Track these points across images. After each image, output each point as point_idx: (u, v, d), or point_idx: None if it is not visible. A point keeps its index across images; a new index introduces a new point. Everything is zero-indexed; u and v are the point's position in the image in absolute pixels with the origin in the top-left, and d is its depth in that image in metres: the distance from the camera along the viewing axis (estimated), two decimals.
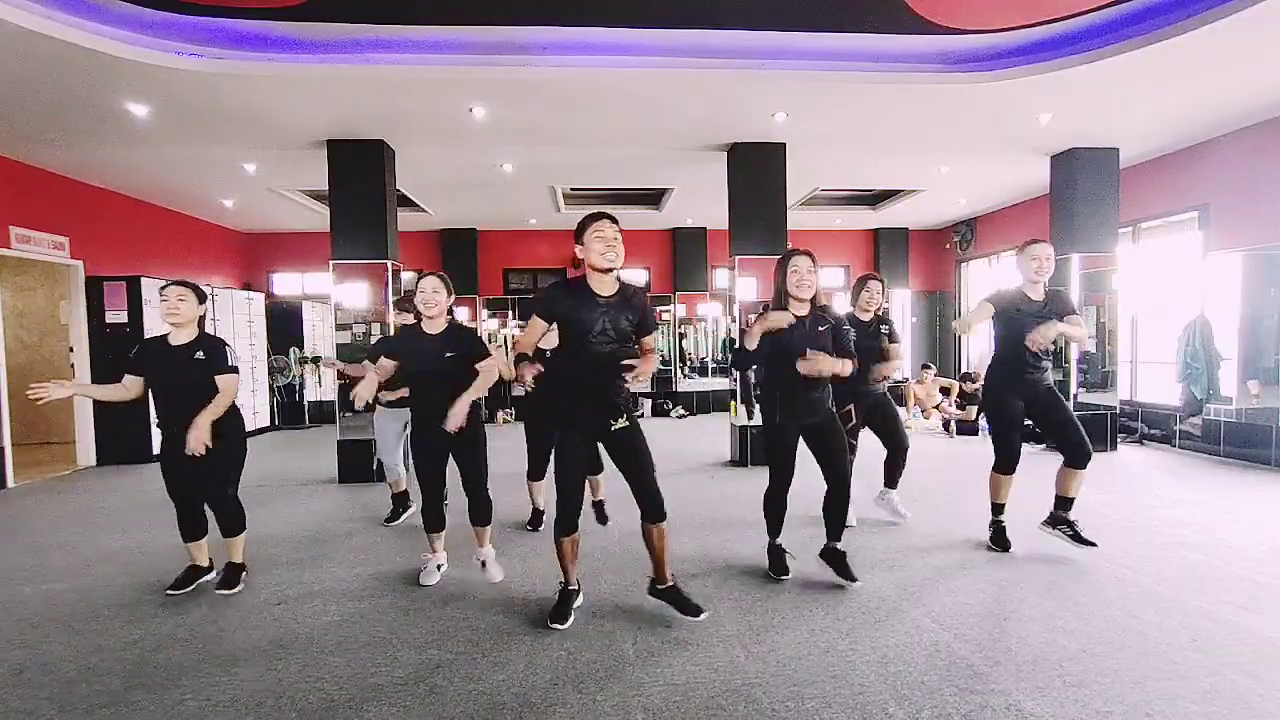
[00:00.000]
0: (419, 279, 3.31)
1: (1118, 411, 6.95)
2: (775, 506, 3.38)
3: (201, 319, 3.28)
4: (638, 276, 11.35)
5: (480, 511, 3.39)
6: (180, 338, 3.18)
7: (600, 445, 2.88)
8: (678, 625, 2.87)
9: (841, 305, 11.00)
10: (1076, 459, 3.53)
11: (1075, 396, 6.81)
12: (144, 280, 7.01)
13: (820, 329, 3.17)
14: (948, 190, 8.79)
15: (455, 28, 4.40)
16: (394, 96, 5.05)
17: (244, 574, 3.41)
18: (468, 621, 2.96)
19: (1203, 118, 5.90)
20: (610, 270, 2.70)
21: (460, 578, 3.48)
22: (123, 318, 6.94)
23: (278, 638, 2.83)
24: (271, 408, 9.66)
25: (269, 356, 9.60)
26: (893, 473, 4.32)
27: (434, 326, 3.28)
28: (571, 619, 2.88)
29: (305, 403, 10.08)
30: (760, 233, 6.35)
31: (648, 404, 10.63)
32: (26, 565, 3.83)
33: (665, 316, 11.18)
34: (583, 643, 2.73)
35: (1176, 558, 3.56)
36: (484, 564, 3.45)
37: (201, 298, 3.25)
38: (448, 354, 3.20)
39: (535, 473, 4.23)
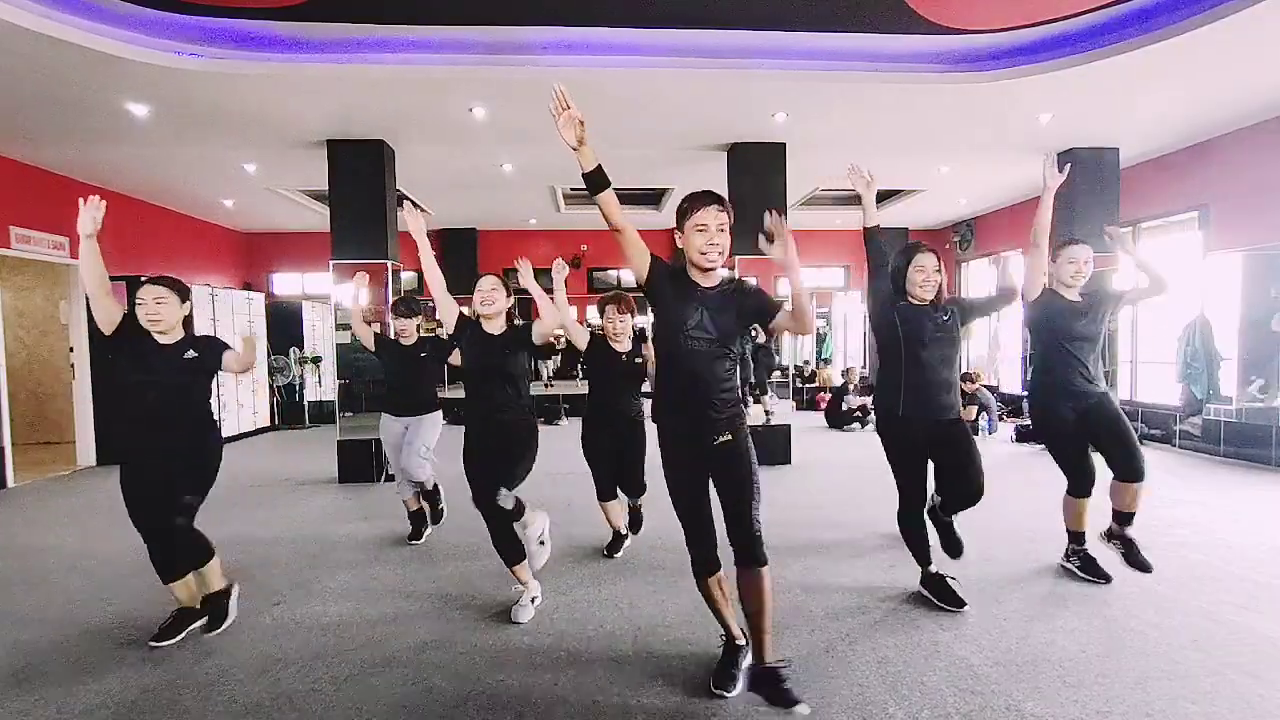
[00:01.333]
0: (478, 279, 3.11)
1: (1117, 404, 6.93)
2: (916, 522, 3.02)
3: (188, 319, 2.96)
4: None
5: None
6: (167, 339, 2.87)
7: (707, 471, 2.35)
8: (678, 625, 2.86)
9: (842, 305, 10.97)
10: (1124, 472, 3.16)
11: None
12: (144, 280, 7.00)
13: (944, 319, 2.96)
14: (948, 190, 8.79)
15: (455, 28, 4.40)
16: (394, 96, 5.05)
17: (230, 598, 2.95)
18: (468, 622, 2.95)
19: (1203, 118, 5.90)
20: (711, 270, 2.32)
21: (459, 577, 3.48)
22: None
23: (276, 638, 2.83)
24: (271, 408, 9.65)
25: (269, 356, 9.59)
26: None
27: (493, 325, 3.06)
28: (739, 686, 2.33)
29: (305, 403, 10.08)
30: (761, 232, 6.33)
31: (648, 404, 10.63)
32: (25, 565, 3.83)
33: None
34: (583, 643, 2.73)
35: (1176, 558, 3.56)
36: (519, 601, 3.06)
37: (184, 295, 2.90)
38: (505, 350, 3.01)
39: (604, 493, 3.75)
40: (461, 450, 3.02)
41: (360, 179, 6.06)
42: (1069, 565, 3.38)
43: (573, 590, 3.30)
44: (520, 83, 4.82)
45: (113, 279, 2.99)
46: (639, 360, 3.68)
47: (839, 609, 3.01)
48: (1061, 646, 2.61)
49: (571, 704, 2.28)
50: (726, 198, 2.35)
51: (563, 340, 3.16)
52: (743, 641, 2.42)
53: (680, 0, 4.42)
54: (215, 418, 3.02)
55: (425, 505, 4.21)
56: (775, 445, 6.42)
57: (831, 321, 11.96)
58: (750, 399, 6.57)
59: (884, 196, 9.67)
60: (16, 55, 4.10)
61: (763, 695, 2.26)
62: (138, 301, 2.83)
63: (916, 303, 2.97)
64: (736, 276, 2.42)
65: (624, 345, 3.69)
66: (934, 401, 2.92)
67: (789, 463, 6.35)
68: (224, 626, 2.90)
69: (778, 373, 10.10)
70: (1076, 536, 3.34)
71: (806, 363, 11.80)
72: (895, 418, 2.96)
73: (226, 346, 2.94)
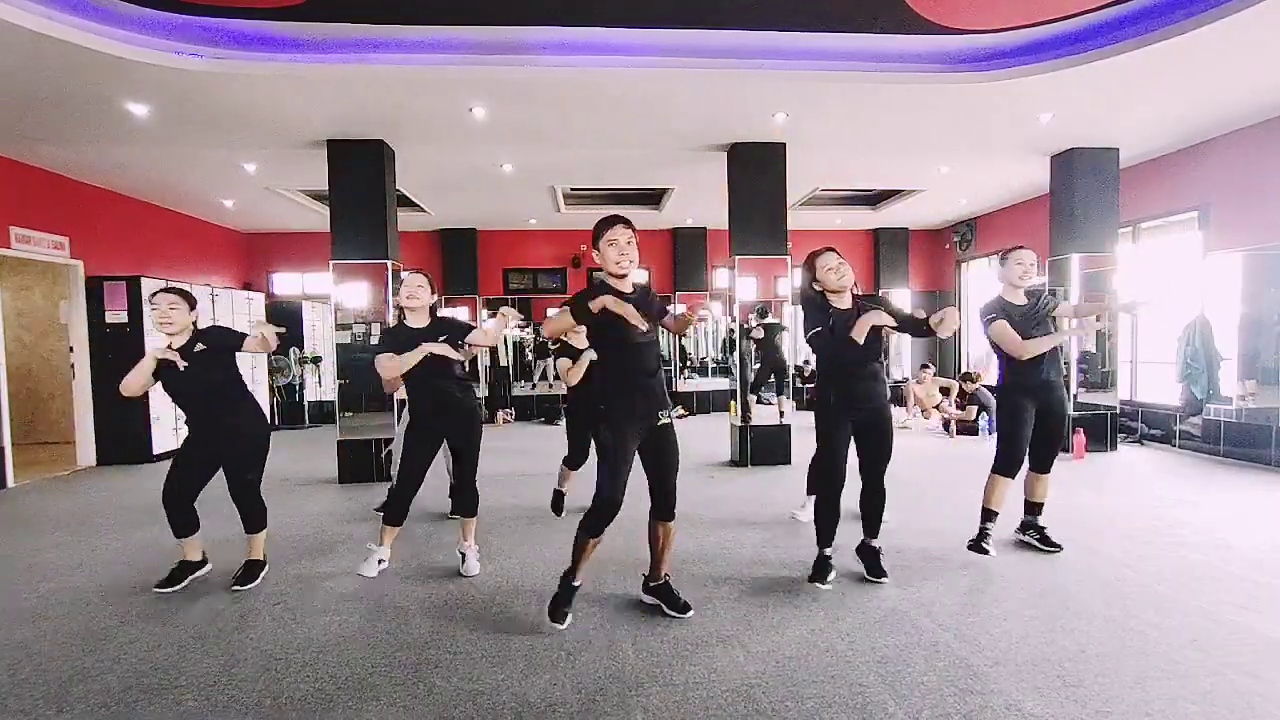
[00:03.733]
0: (405, 276, 3.43)
1: (1118, 411, 6.95)
2: (832, 509, 3.32)
3: (194, 324, 3.32)
4: (638, 276, 11.34)
5: (469, 503, 3.53)
6: (178, 341, 3.23)
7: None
8: (678, 625, 2.87)
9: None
10: (1041, 463, 3.65)
11: (1075, 396, 6.81)
12: (144, 280, 7.01)
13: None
14: (948, 190, 8.79)
15: (455, 28, 4.40)
16: (394, 96, 5.05)
17: (263, 572, 3.45)
18: (467, 621, 2.95)
19: (1203, 118, 5.90)
20: (625, 276, 2.80)
21: (459, 577, 3.48)
22: (123, 318, 6.94)
23: (277, 638, 2.83)
24: (271, 408, 9.65)
25: (269, 356, 9.59)
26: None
27: (419, 320, 3.39)
28: (570, 619, 2.88)
29: (305, 403, 10.09)
30: (760, 233, 6.35)
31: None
32: (25, 565, 3.83)
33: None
34: (582, 643, 2.73)
35: (1176, 558, 3.56)
36: (464, 556, 3.56)
37: (192, 304, 3.29)
38: (440, 338, 3.30)
39: (574, 462, 4.39)
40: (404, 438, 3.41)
41: (360, 179, 6.06)
42: (1023, 538, 3.80)
43: None
44: (520, 83, 4.81)
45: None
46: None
47: (838, 609, 3.02)
48: (1061, 646, 2.61)
49: (571, 704, 2.28)
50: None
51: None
52: (579, 583, 2.92)
53: (680, 0, 4.42)
54: (248, 392, 3.44)
55: None
56: (775, 445, 6.42)
57: None
58: (756, 399, 6.57)
59: (884, 196, 9.69)
60: (16, 55, 4.10)
61: (664, 602, 2.96)
62: (152, 306, 3.20)
63: (841, 306, 3.22)
64: (638, 282, 2.89)
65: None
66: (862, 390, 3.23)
67: (789, 463, 6.35)
68: (249, 587, 3.34)
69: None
70: (989, 514, 3.67)
71: (806, 362, 11.79)
72: (827, 408, 3.27)
73: (231, 332, 3.32)
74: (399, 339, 3.32)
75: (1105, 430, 6.76)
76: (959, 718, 2.15)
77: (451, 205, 9.14)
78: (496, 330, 3.38)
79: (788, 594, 3.19)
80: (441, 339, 3.29)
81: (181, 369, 3.10)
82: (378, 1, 4.28)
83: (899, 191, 9.13)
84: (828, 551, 3.35)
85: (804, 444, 6.85)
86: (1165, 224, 7.30)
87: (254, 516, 3.41)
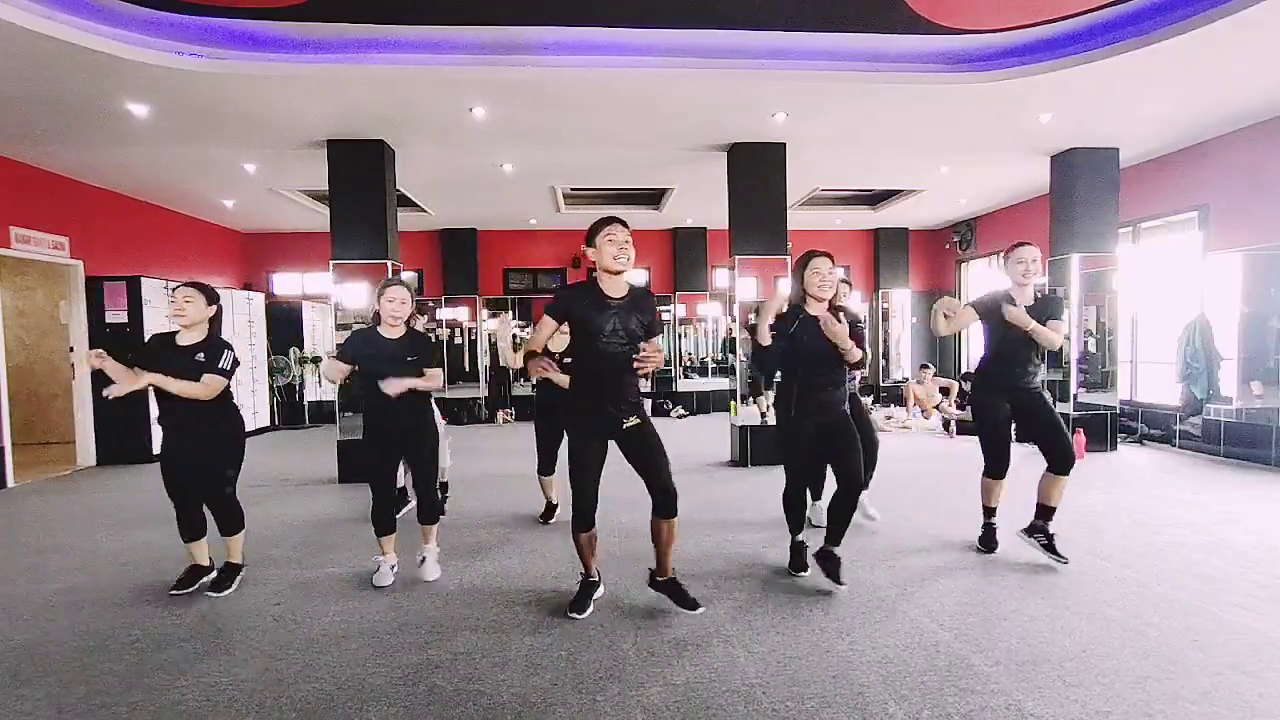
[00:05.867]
0: (384, 286, 3.31)
1: (1118, 411, 6.95)
2: (795, 504, 3.39)
3: (213, 320, 3.27)
4: (638, 276, 11.36)
5: (428, 511, 3.45)
6: (188, 338, 3.18)
7: (616, 444, 2.89)
8: (678, 625, 2.87)
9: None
10: (1058, 464, 3.44)
11: (1075, 396, 6.81)
12: (144, 280, 7.02)
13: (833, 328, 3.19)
14: (948, 190, 8.79)
15: (455, 28, 4.40)
16: (394, 96, 5.05)
17: (239, 576, 3.39)
18: (468, 621, 2.95)
19: (1203, 118, 5.90)
20: (622, 273, 2.78)
21: (459, 578, 3.48)
22: (123, 318, 6.94)
23: (277, 637, 2.83)
24: (271, 408, 9.65)
25: (269, 356, 9.59)
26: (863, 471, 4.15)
27: (393, 331, 3.32)
28: (590, 609, 2.97)
29: (305, 403, 10.08)
30: (760, 233, 6.35)
31: (648, 403, 10.64)
32: (25, 565, 3.83)
33: (665, 316, 11.18)
34: (583, 643, 2.73)
35: (1176, 558, 3.56)
36: (423, 561, 3.50)
37: (212, 299, 3.25)
38: (410, 358, 3.27)
39: (545, 468, 4.39)
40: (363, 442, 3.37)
41: (360, 179, 6.06)
42: (980, 544, 3.77)
43: (572, 590, 3.29)
44: (520, 83, 4.81)
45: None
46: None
47: (838, 609, 3.01)
48: (1061, 646, 2.61)
49: (571, 704, 2.28)
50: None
51: (559, 356, 3.46)
52: (596, 580, 3.05)
53: (680, 0, 4.42)
54: (232, 402, 3.35)
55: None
56: (775, 446, 6.41)
57: None
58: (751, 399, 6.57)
59: (884, 196, 9.69)
60: (16, 55, 4.10)
61: (672, 599, 2.95)
62: (170, 301, 3.19)
63: (812, 313, 3.18)
64: (635, 286, 2.84)
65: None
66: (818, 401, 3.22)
67: None
68: (223, 594, 3.28)
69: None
70: (989, 510, 3.71)
71: None
72: (787, 418, 3.27)
73: (219, 359, 3.19)
74: (369, 345, 3.28)
75: (1105, 430, 6.76)
76: (959, 718, 2.15)
77: (451, 205, 9.14)
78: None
79: (788, 594, 3.19)
80: (410, 359, 3.26)
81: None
82: (378, 1, 4.28)
83: (899, 191, 9.13)
84: (800, 538, 3.43)
85: None
86: (1165, 224, 7.30)
87: (225, 518, 3.31)
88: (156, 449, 7.06)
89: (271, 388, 9.65)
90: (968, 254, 10.86)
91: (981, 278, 10.78)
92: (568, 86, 4.92)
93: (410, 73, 4.59)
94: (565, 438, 4.06)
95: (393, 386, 3.14)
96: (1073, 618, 2.86)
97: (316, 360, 10.03)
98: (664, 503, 2.84)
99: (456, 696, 2.34)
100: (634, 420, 2.81)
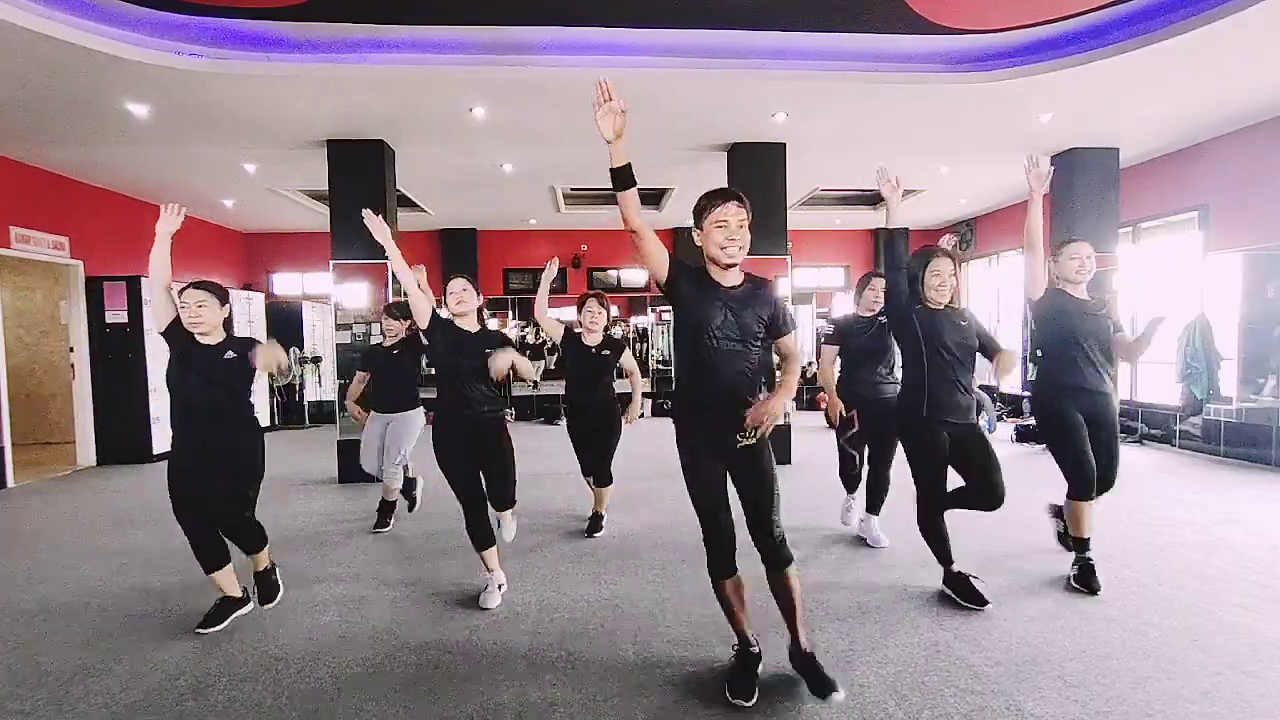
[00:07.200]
0: (449, 283, 3.24)
1: (1118, 411, 6.93)
2: (938, 532, 3.06)
3: (227, 321, 3.02)
4: (638, 277, 11.36)
5: (486, 536, 3.18)
6: (209, 340, 2.94)
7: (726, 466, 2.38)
8: (678, 625, 2.87)
9: (843, 306, 10.95)
10: (1101, 483, 3.23)
11: None
12: (144, 280, 7.01)
13: (962, 324, 3.01)
14: (948, 190, 8.79)
15: (455, 28, 4.40)
16: (394, 96, 5.05)
17: (276, 574, 3.19)
18: (468, 621, 2.95)
19: (1203, 118, 5.91)
20: (731, 267, 2.25)
21: (459, 578, 3.48)
22: (123, 318, 6.94)
23: (277, 638, 2.83)
24: (271, 408, 9.65)
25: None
26: (876, 496, 3.87)
27: (469, 324, 3.20)
28: (756, 695, 2.27)
29: (305, 403, 10.08)
30: (760, 233, 6.29)
31: (648, 404, 10.64)
32: (25, 565, 3.83)
33: (666, 316, 11.18)
34: (582, 643, 2.73)
35: (1176, 558, 3.56)
36: (499, 523, 3.31)
37: (224, 299, 2.99)
38: (487, 350, 3.10)
39: (585, 469, 4.22)
40: (433, 444, 3.13)
41: (360, 179, 6.05)
42: (1076, 582, 3.20)
43: (573, 590, 3.29)
44: (520, 83, 4.81)
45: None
46: (606, 354, 4.10)
47: (838, 609, 3.01)
48: (1061, 646, 2.61)
49: (571, 704, 2.28)
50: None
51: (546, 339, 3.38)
52: (757, 649, 2.40)
53: (680, 0, 4.42)
54: (254, 414, 3.11)
55: (400, 498, 4.52)
56: (775, 445, 6.40)
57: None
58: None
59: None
60: (16, 55, 4.10)
61: (805, 679, 2.30)
62: (181, 305, 2.91)
63: (932, 306, 3.01)
64: (757, 276, 2.35)
65: (595, 339, 4.12)
66: (953, 402, 2.94)
67: (789, 462, 6.35)
68: (278, 598, 3.16)
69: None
70: (1080, 543, 3.19)
71: (811, 363, 11.79)
72: (918, 419, 2.96)
73: (256, 344, 2.99)
74: (448, 337, 3.14)
75: None
76: (959, 718, 2.15)
77: (451, 205, 9.14)
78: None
79: None
80: (488, 351, 3.08)
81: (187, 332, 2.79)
82: (378, 1, 4.28)
83: None
84: (955, 568, 3.10)
85: (804, 444, 6.87)
86: (1165, 224, 7.30)
87: (248, 540, 3.03)
88: (157, 449, 7.10)
89: (271, 388, 9.65)
90: (967, 254, 10.85)
91: (981, 278, 10.78)
92: (568, 86, 4.92)
93: (410, 73, 4.59)
94: (594, 438, 4.09)
95: (501, 360, 2.99)
96: (1073, 618, 2.86)
97: (317, 360, 10.03)
98: (766, 547, 2.30)
99: (457, 696, 2.34)
100: (750, 438, 2.27)
